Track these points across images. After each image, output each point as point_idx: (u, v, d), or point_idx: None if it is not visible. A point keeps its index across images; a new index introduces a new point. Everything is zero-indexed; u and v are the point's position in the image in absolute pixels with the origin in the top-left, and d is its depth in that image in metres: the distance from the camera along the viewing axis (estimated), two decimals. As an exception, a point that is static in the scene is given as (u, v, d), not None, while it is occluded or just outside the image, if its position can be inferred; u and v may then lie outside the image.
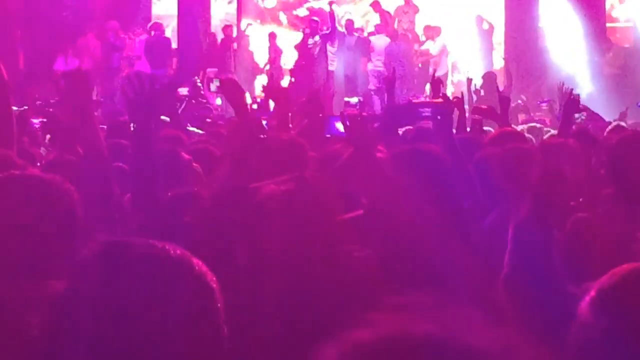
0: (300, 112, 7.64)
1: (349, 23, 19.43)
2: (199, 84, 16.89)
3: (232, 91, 5.22)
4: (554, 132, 9.46)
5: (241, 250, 3.39)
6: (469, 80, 15.52)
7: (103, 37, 18.71)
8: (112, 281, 1.94)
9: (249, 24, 20.87)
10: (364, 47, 19.18)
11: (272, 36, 20.45)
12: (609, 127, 9.26)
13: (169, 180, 4.78)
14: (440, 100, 6.27)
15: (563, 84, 10.37)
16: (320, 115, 7.25)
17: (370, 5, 20.53)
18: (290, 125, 6.40)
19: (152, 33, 18.93)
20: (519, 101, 17.27)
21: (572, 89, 8.97)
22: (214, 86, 16.60)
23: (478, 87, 15.99)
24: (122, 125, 7.88)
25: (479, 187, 4.69)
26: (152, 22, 19.29)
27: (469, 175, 4.67)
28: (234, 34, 20.24)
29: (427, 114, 5.54)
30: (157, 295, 1.94)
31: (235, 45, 19.92)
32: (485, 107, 8.25)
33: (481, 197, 4.64)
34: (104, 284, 1.95)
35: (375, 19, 20.62)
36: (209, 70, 17.91)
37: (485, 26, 20.00)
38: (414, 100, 6.71)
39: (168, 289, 1.96)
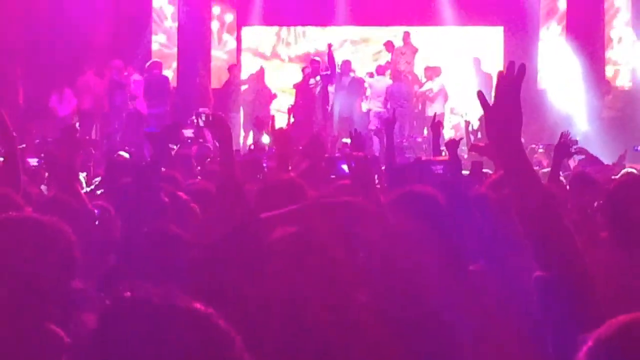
0: (301, 153, 7.63)
1: (346, 63, 19.47)
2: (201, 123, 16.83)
3: (218, 127, 5.22)
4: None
5: (247, 290, 3.38)
6: (467, 123, 15.56)
7: (107, 75, 18.76)
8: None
9: (261, 67, 20.99)
10: (358, 87, 19.23)
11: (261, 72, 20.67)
12: (621, 172, 9.20)
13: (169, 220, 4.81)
14: (446, 157, 6.29)
15: (567, 132, 10.43)
16: (325, 156, 7.25)
17: (384, 44, 20.67)
18: (290, 167, 6.39)
19: (150, 72, 19.00)
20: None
21: (567, 132, 9.03)
22: (201, 121, 16.60)
23: (475, 128, 16.01)
24: (121, 164, 7.93)
25: (481, 231, 4.69)
26: (151, 60, 19.35)
27: (471, 219, 4.66)
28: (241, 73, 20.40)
29: (439, 171, 5.57)
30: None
31: (245, 86, 20.06)
32: (483, 144, 8.23)
33: (484, 241, 4.63)
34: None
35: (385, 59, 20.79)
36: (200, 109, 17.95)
37: (484, 68, 20.06)
38: (422, 158, 6.74)
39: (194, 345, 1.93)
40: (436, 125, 8.15)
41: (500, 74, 3.01)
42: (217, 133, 5.26)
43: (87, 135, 17.10)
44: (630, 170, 9.84)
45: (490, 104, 3.03)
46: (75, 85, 18.64)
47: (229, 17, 21.64)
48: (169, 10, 21.08)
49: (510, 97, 2.99)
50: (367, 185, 4.77)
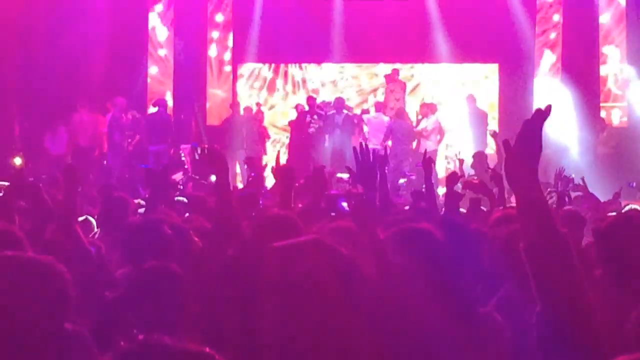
0: (301, 188, 7.61)
1: (338, 101, 19.52)
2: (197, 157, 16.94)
3: (214, 161, 5.21)
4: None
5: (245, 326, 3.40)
6: (461, 161, 15.60)
7: (108, 112, 18.87)
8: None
9: (257, 103, 21.06)
10: (352, 124, 19.26)
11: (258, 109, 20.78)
12: (624, 209, 9.19)
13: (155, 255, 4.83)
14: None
15: (562, 169, 10.48)
16: (325, 192, 7.22)
17: (385, 76, 20.79)
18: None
19: (157, 108, 19.14)
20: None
21: (562, 169, 9.08)
22: (197, 154, 16.69)
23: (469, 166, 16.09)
24: (116, 201, 7.92)
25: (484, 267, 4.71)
26: (158, 98, 19.57)
27: (470, 255, 4.67)
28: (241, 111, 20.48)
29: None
30: None
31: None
32: (477, 181, 8.24)
33: (485, 277, 4.65)
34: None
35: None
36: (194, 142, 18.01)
37: (479, 105, 20.14)
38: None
39: None
40: (427, 162, 8.09)
41: (526, 121, 3.07)
42: (213, 167, 5.25)
43: (83, 173, 17.11)
44: (634, 207, 9.80)
45: (512, 144, 3.09)
46: (69, 124, 18.67)
47: (227, 55, 21.70)
48: (163, 34, 21.15)
49: (533, 136, 3.00)
50: (367, 223, 4.77)
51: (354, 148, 5.65)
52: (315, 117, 19.14)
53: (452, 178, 7.82)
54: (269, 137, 20.61)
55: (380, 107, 20.11)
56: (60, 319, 3.03)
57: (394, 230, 4.48)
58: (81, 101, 18.73)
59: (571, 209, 8.37)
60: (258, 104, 21.04)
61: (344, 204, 6.18)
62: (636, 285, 4.14)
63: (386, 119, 19.55)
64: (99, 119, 18.80)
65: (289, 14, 20.31)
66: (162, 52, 21.15)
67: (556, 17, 20.69)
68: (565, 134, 19.11)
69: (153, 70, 21.10)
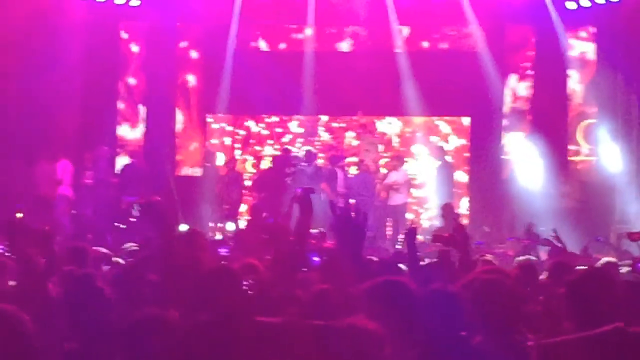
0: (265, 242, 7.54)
1: (308, 154, 19.58)
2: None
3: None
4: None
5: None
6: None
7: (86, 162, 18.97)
8: None
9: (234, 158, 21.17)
10: (321, 176, 19.29)
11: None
12: (599, 263, 9.23)
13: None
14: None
15: (532, 225, 10.62)
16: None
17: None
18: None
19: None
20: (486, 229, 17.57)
21: (531, 224, 9.20)
22: (135, 210, 16.73)
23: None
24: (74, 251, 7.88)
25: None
26: (131, 149, 19.79)
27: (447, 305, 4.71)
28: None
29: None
30: None
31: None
32: (446, 235, 8.26)
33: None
34: None
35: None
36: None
37: (448, 158, 20.27)
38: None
39: None
40: (411, 232, 8.06)
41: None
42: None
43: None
44: (610, 260, 9.81)
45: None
46: (33, 172, 18.60)
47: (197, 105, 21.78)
48: (134, 83, 21.20)
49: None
50: (337, 276, 4.80)
51: (331, 202, 5.68)
52: (292, 169, 19.21)
53: (411, 232, 7.84)
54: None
55: (335, 160, 20.37)
56: None
57: (369, 283, 4.52)
58: (40, 151, 18.69)
59: (527, 263, 8.47)
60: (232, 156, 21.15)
61: (315, 259, 6.20)
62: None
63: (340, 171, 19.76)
64: (56, 168, 18.67)
65: (260, 68, 20.37)
66: (132, 101, 21.19)
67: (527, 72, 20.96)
68: (532, 187, 19.27)
69: (123, 119, 21.12)
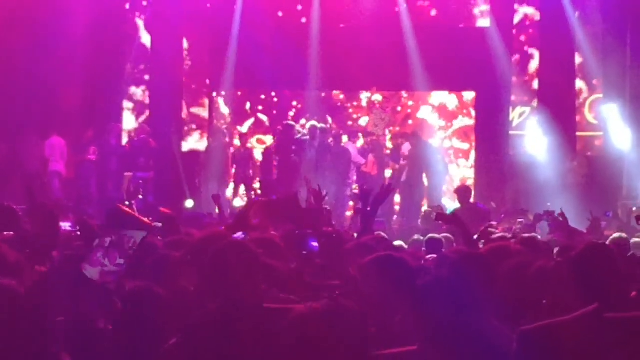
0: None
1: (313, 128, 19.48)
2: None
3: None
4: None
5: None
6: None
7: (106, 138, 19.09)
8: None
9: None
10: (326, 150, 19.23)
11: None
12: (610, 239, 9.17)
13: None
14: None
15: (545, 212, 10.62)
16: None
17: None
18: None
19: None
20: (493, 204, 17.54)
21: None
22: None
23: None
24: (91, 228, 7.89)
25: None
26: (139, 126, 19.83)
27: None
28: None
29: None
30: None
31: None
32: (449, 215, 8.22)
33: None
34: None
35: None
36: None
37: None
38: None
39: None
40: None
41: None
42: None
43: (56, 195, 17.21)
44: (622, 235, 9.73)
45: None
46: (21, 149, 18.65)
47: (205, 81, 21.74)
48: (140, 59, 21.20)
49: None
50: (337, 261, 4.78)
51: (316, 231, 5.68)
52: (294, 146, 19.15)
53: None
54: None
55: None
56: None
57: (370, 258, 4.48)
58: (54, 128, 18.75)
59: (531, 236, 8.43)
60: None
61: (314, 244, 6.18)
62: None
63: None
64: (44, 145, 18.71)
65: (266, 42, 20.32)
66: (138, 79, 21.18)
67: (533, 48, 20.88)
68: (538, 162, 19.20)
69: (129, 98, 21.11)
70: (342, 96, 22.26)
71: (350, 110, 22.13)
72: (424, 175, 19.04)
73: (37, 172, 18.23)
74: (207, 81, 21.67)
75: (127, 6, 21.07)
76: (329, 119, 21.29)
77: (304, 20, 21.16)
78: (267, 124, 21.89)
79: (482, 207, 14.54)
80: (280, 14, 21.40)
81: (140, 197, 16.51)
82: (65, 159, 18.76)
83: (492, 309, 4.30)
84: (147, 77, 21.11)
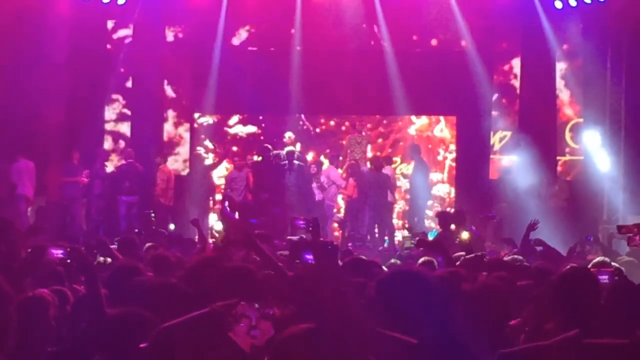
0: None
1: (290, 153, 19.39)
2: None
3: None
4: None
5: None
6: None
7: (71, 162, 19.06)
8: None
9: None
10: (302, 173, 19.22)
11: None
12: (593, 262, 9.16)
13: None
14: None
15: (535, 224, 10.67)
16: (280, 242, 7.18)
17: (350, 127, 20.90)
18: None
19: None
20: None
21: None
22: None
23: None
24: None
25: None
26: (126, 149, 19.89)
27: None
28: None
29: None
30: None
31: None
32: (430, 240, 8.24)
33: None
34: None
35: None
36: None
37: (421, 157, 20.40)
38: None
39: None
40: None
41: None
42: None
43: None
44: (604, 259, 9.72)
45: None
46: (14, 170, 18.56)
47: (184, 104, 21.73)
48: (121, 81, 21.16)
49: None
50: (333, 271, 4.75)
51: (311, 242, 5.69)
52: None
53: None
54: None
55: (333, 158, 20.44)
56: None
57: (387, 273, 4.45)
58: (22, 152, 18.66)
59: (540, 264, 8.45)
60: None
61: (309, 257, 6.16)
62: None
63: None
64: (12, 169, 18.62)
65: (247, 66, 20.34)
66: (119, 101, 21.14)
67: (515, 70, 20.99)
68: (520, 187, 19.21)
69: (110, 118, 21.07)
70: (332, 122, 22.32)
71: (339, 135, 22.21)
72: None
73: (4, 196, 18.14)
74: (188, 105, 21.64)
75: (110, 26, 21.05)
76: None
77: (285, 43, 21.14)
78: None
79: (475, 232, 14.38)
80: (261, 38, 21.42)
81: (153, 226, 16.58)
82: (33, 183, 18.61)
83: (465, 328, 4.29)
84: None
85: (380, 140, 22.17)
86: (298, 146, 20.39)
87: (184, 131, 21.68)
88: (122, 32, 21.14)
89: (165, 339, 3.93)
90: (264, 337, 3.73)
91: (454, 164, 21.72)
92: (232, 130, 22.17)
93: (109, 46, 21.03)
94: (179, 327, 3.96)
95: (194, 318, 4.03)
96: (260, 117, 22.04)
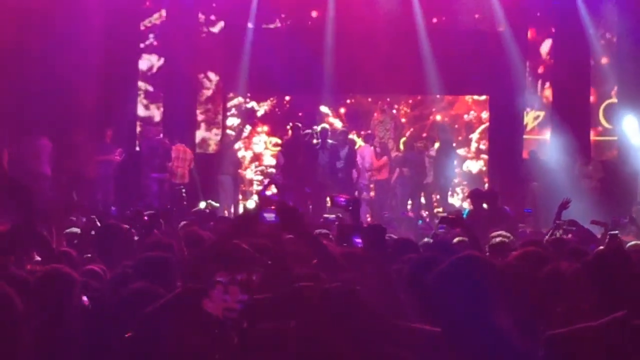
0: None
1: (323, 130, 19.34)
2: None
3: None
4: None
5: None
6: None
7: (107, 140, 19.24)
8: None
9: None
10: (336, 152, 19.17)
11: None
12: (629, 244, 9.09)
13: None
14: None
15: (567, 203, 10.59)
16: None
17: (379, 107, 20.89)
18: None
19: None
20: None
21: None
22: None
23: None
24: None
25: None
26: (155, 128, 20.05)
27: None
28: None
29: None
30: None
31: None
32: (452, 216, 8.17)
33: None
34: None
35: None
36: None
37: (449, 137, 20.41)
38: None
39: None
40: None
41: None
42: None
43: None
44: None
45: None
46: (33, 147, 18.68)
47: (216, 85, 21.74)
48: (154, 61, 21.23)
49: None
50: (379, 257, 4.75)
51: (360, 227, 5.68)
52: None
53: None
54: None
55: (368, 138, 20.36)
56: None
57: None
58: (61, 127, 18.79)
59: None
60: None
61: (358, 241, 6.15)
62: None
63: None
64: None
65: (280, 47, 20.31)
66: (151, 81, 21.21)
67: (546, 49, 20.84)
68: (552, 166, 19.12)
69: (143, 98, 21.14)
70: (369, 99, 22.32)
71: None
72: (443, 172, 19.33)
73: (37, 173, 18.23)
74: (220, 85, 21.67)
75: (144, 10, 21.10)
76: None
77: (319, 22, 21.10)
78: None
79: (507, 211, 14.24)
80: (294, 18, 21.39)
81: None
82: (51, 162, 18.71)
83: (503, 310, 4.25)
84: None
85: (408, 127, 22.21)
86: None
87: (216, 112, 21.72)
88: (156, 11, 21.17)
89: (146, 325, 3.94)
90: (234, 301, 3.75)
91: (480, 145, 21.73)
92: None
93: (142, 26, 21.08)
94: (158, 312, 3.97)
95: (170, 300, 4.04)
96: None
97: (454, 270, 3.95)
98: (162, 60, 21.06)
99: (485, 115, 21.95)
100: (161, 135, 19.96)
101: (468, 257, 4.08)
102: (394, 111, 22.30)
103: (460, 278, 3.86)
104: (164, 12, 21.02)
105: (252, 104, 22.16)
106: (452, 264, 4.06)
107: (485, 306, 3.74)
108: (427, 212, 19.46)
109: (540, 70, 20.97)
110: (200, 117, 21.44)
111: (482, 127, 21.90)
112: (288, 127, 20.17)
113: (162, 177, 19.23)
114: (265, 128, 22.22)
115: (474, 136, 21.88)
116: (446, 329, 3.71)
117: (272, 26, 21.30)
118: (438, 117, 22.15)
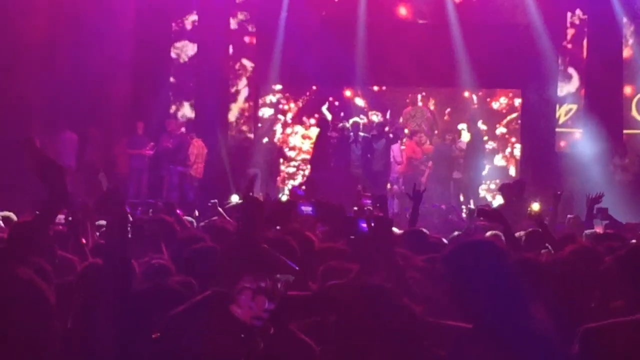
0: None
1: (355, 124, 19.33)
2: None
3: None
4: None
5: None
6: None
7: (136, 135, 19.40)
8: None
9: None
10: (369, 145, 19.15)
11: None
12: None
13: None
14: None
15: (589, 196, 10.49)
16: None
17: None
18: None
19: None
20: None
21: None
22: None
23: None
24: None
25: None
26: (179, 122, 20.15)
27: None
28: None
29: None
30: None
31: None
32: (490, 209, 8.14)
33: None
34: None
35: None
36: None
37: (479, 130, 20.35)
38: None
39: None
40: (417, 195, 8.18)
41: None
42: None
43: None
44: None
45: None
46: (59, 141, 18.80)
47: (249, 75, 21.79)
48: (186, 54, 21.29)
49: None
50: (386, 246, 4.71)
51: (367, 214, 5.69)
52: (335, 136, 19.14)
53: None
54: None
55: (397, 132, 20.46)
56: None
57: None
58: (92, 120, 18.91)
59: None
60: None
61: (364, 225, 6.13)
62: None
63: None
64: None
65: (312, 38, 20.29)
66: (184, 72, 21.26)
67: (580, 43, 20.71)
68: (587, 161, 19.00)
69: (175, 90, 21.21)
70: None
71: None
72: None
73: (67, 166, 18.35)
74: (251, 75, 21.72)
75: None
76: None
77: (351, 15, 21.07)
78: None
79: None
80: (325, 10, 21.36)
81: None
82: (75, 155, 18.84)
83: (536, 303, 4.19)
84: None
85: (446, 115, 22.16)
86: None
87: (249, 104, 21.76)
88: (188, 6, 21.21)
89: (173, 327, 3.94)
90: (260, 310, 3.73)
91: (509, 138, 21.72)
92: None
93: (174, 19, 21.14)
94: (186, 314, 3.96)
95: (197, 302, 4.03)
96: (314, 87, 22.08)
97: (466, 253, 3.86)
98: (194, 49, 21.08)
99: (518, 101, 21.92)
100: (183, 130, 20.10)
101: (478, 243, 4.02)
102: (431, 106, 22.26)
103: (470, 264, 3.78)
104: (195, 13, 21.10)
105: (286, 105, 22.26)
106: (462, 247, 3.98)
107: (515, 299, 3.69)
108: (462, 205, 19.38)
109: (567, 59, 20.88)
110: (232, 110, 21.48)
111: (510, 117, 21.83)
112: (316, 120, 20.24)
113: (184, 170, 19.32)
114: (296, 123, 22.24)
115: (501, 130, 21.82)
116: (477, 324, 3.66)
117: (302, 15, 21.31)
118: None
